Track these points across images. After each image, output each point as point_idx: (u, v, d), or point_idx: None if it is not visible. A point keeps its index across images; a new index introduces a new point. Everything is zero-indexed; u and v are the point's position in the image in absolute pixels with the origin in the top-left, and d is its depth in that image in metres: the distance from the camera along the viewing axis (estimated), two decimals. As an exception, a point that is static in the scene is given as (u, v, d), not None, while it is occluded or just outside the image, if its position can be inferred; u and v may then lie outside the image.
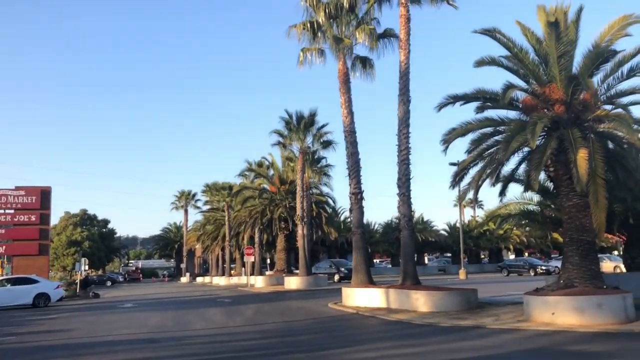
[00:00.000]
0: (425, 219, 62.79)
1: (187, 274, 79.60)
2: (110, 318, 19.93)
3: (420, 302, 16.90)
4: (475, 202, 73.13)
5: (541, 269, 45.51)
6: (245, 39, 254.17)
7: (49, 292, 27.99)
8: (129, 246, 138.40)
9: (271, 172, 45.51)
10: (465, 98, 15.48)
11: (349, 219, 55.77)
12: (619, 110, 13.51)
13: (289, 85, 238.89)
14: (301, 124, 34.93)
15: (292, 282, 35.32)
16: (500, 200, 17.88)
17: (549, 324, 12.59)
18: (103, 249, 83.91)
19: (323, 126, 35.54)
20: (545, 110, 14.24)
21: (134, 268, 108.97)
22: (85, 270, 41.92)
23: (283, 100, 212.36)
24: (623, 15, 13.61)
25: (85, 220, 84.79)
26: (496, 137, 15.39)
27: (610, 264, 38.00)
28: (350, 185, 22.89)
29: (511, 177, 16.89)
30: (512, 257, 69.67)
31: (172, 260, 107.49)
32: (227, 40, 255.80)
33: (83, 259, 42.51)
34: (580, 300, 12.63)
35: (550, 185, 16.90)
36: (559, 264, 44.31)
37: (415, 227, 46.51)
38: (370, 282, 21.73)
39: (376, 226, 64.42)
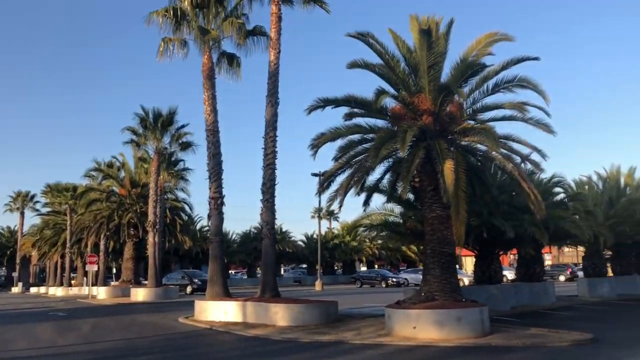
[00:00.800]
0: (283, 230, 62.49)
1: (20, 284, 71.48)
2: None
3: (279, 315, 15.95)
4: (339, 211, 74.43)
5: (392, 281, 47.15)
6: (97, 25, 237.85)
7: None
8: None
9: (122, 173, 41.84)
10: (336, 102, 14.92)
11: (205, 228, 53.62)
12: (484, 123, 13.70)
13: (147, 79, 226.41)
14: (158, 123, 32.51)
15: (140, 294, 32.69)
16: (364, 210, 17.61)
17: (410, 338, 12.28)
18: None
19: (183, 126, 33.42)
20: (414, 120, 14.06)
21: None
22: None
23: (141, 95, 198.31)
24: (489, 32, 13.92)
25: None
26: (365, 145, 14.99)
27: (455, 277, 40.17)
28: (210, 189, 21.23)
29: (376, 187, 16.66)
30: (363, 268, 71.90)
31: (3, 268, 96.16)
32: (75, 23, 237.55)
33: None
34: (441, 314, 12.55)
35: (412, 196, 16.90)
36: (408, 276, 46.73)
37: (274, 237, 45.70)
38: (227, 294, 20.32)
39: (234, 236, 62.88)
